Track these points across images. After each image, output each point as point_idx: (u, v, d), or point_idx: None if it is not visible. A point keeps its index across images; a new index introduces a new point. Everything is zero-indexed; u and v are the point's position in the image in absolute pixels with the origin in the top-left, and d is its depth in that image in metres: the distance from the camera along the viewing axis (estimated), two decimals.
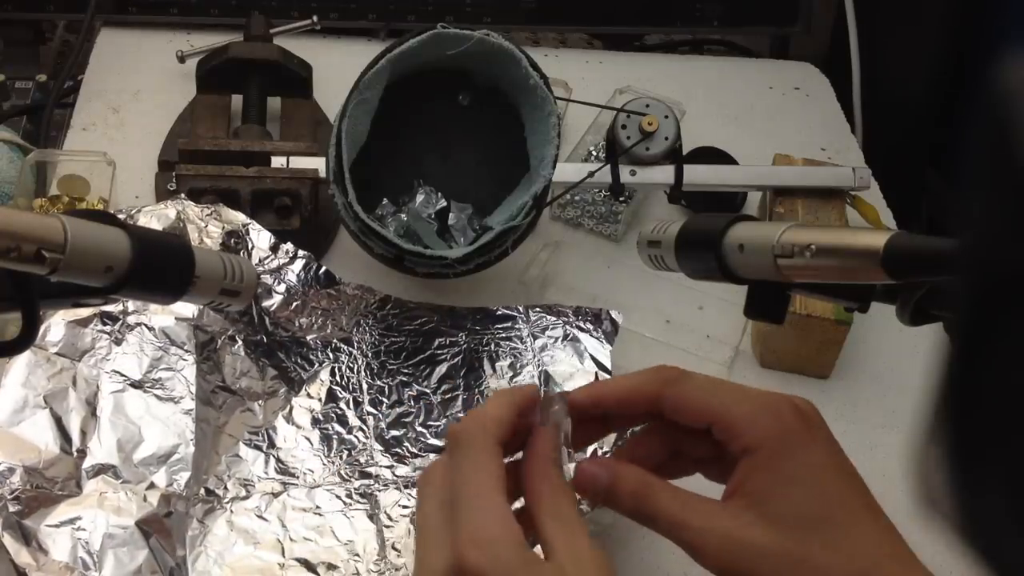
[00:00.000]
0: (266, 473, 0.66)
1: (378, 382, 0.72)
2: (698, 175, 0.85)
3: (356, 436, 0.69)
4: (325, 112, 0.93)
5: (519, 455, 0.48)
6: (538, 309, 0.75)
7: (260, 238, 0.75)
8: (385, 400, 0.71)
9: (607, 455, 0.62)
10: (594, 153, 0.90)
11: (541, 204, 0.75)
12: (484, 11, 1.05)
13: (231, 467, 0.66)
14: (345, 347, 0.73)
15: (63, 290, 0.48)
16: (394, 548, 0.63)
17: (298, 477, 0.66)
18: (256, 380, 0.70)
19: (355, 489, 0.66)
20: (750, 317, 0.54)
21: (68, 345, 0.67)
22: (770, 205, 0.87)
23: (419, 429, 0.69)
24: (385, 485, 0.66)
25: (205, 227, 0.74)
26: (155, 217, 0.73)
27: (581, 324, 0.73)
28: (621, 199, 0.88)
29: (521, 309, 0.75)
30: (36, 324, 0.47)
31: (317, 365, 0.72)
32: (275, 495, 0.65)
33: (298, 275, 0.74)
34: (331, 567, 0.61)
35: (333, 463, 0.67)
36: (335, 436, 0.69)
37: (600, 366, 0.71)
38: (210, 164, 0.80)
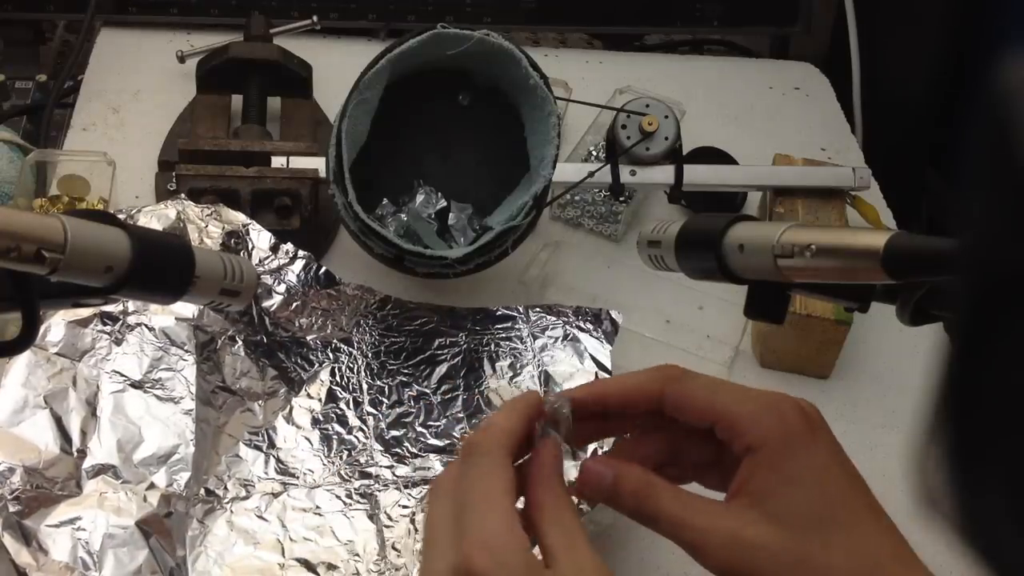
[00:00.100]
0: (266, 473, 0.66)
1: (378, 382, 0.72)
2: (698, 175, 0.85)
3: (356, 436, 0.69)
4: (325, 112, 0.93)
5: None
6: (538, 309, 0.75)
7: (260, 238, 0.75)
8: (385, 400, 0.71)
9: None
10: (594, 153, 0.90)
11: (541, 204, 0.75)
12: (484, 11, 1.05)
13: (231, 467, 0.66)
14: (345, 347, 0.73)
15: (63, 290, 0.48)
16: (394, 548, 0.63)
17: (298, 477, 0.66)
18: (256, 380, 0.70)
19: (355, 489, 0.66)
20: (750, 317, 0.54)
21: (68, 345, 0.67)
22: (770, 205, 0.87)
23: (419, 429, 0.69)
24: (385, 485, 0.66)
25: (205, 227, 0.74)
26: (155, 217, 0.73)
27: (581, 324, 0.73)
28: (621, 199, 0.88)
29: (521, 309, 0.75)
30: (36, 324, 0.47)
31: (317, 365, 0.72)
32: (275, 495, 0.65)
33: (298, 275, 0.74)
34: (331, 567, 0.61)
35: (333, 463, 0.67)
36: (335, 436, 0.69)
37: (600, 366, 0.71)
38: (210, 164, 0.80)
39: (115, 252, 0.48)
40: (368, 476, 0.67)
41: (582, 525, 0.45)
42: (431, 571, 0.43)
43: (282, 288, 0.74)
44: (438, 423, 0.70)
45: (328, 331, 0.74)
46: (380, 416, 0.70)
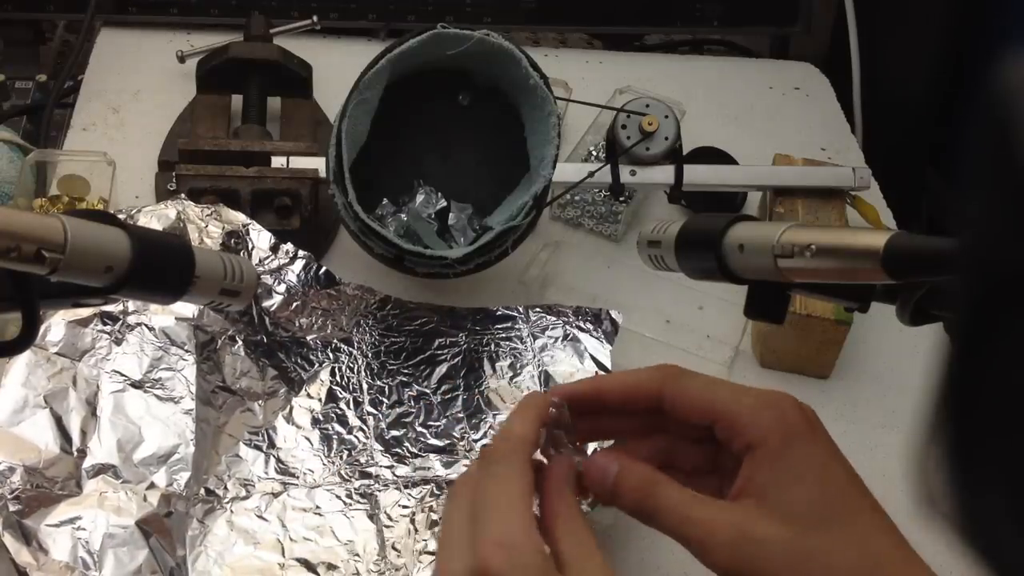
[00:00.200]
0: (266, 473, 0.66)
1: (378, 382, 0.72)
2: (698, 175, 0.85)
3: (356, 436, 0.69)
4: (325, 112, 0.93)
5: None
6: (538, 309, 0.75)
7: (260, 238, 0.75)
8: (385, 400, 0.71)
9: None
10: (594, 153, 0.90)
11: (541, 204, 0.75)
12: (484, 11, 1.05)
13: (231, 467, 0.66)
14: (345, 347, 0.73)
15: (63, 290, 0.48)
16: (394, 548, 0.63)
17: (298, 477, 0.66)
18: (256, 380, 0.70)
19: (355, 489, 0.66)
20: (750, 317, 0.54)
21: (68, 345, 0.67)
22: (770, 205, 0.87)
23: (419, 429, 0.69)
24: (385, 485, 0.66)
25: (205, 227, 0.74)
26: (155, 217, 0.73)
27: (581, 324, 0.74)
28: (621, 199, 0.88)
29: (521, 309, 0.75)
30: (36, 324, 0.47)
31: (317, 365, 0.72)
32: (275, 495, 0.65)
33: (298, 275, 0.74)
34: (331, 567, 0.61)
35: (333, 463, 0.67)
36: (335, 436, 0.69)
37: (600, 366, 0.71)
38: (210, 164, 0.80)
39: (115, 252, 0.48)
40: (368, 476, 0.67)
41: (595, 537, 0.45)
42: (447, 571, 0.43)
43: (282, 288, 0.74)
44: (438, 423, 0.70)
45: (328, 331, 0.74)
46: (380, 416, 0.70)
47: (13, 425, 0.63)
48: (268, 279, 0.73)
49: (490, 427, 0.69)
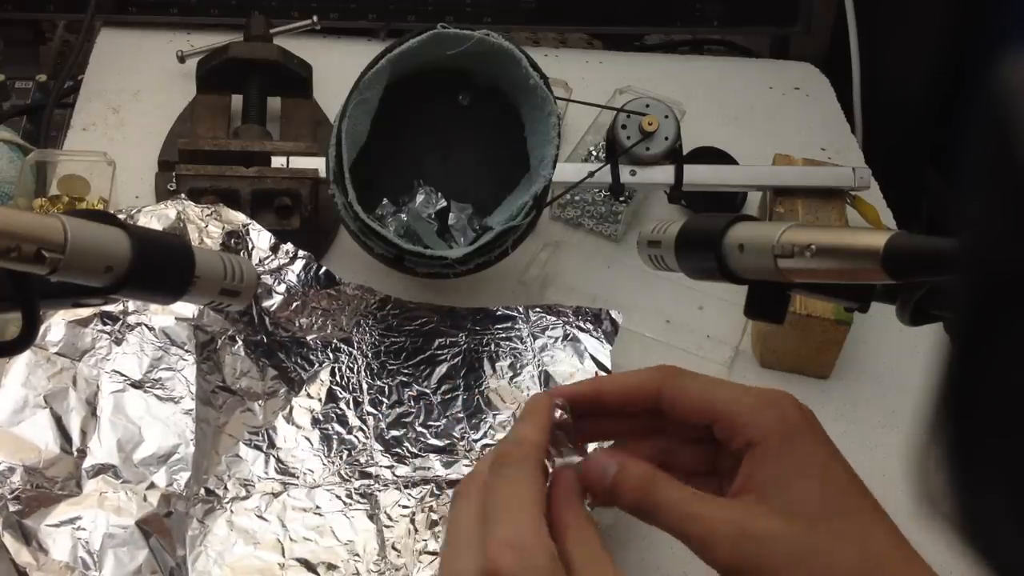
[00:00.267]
0: (266, 473, 0.66)
1: (378, 382, 0.72)
2: (698, 175, 0.85)
3: (356, 436, 0.69)
4: (325, 112, 0.93)
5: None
6: (538, 309, 0.75)
7: (260, 238, 0.75)
8: (385, 400, 0.71)
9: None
10: (594, 153, 0.90)
11: (541, 204, 0.75)
12: (484, 11, 1.05)
13: (231, 467, 0.66)
14: (345, 347, 0.73)
15: (63, 290, 0.48)
16: (394, 548, 0.63)
17: (298, 477, 0.66)
18: (256, 380, 0.70)
19: (355, 489, 0.66)
20: (750, 317, 0.54)
21: (68, 345, 0.67)
22: (770, 205, 0.87)
23: (419, 429, 0.69)
24: (385, 485, 0.66)
25: (205, 227, 0.74)
26: (155, 217, 0.73)
27: (581, 324, 0.74)
28: (621, 199, 0.88)
29: (521, 309, 0.75)
30: (36, 324, 0.47)
31: (317, 365, 0.72)
32: (275, 495, 0.65)
33: (298, 275, 0.74)
34: (331, 567, 0.61)
35: (333, 463, 0.67)
36: (335, 436, 0.69)
37: (600, 366, 0.71)
38: (210, 164, 0.80)
39: (115, 252, 0.48)
40: (368, 476, 0.67)
41: (606, 547, 0.45)
42: (455, 571, 0.43)
43: (282, 288, 0.74)
44: (438, 423, 0.70)
45: (328, 331, 0.74)
46: (380, 416, 0.70)
47: (13, 425, 0.63)
48: (268, 279, 0.73)
49: (490, 427, 0.69)
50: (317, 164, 0.80)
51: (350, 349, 0.73)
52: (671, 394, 0.49)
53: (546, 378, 0.71)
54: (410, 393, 0.71)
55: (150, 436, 0.64)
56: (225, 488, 0.65)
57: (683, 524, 0.45)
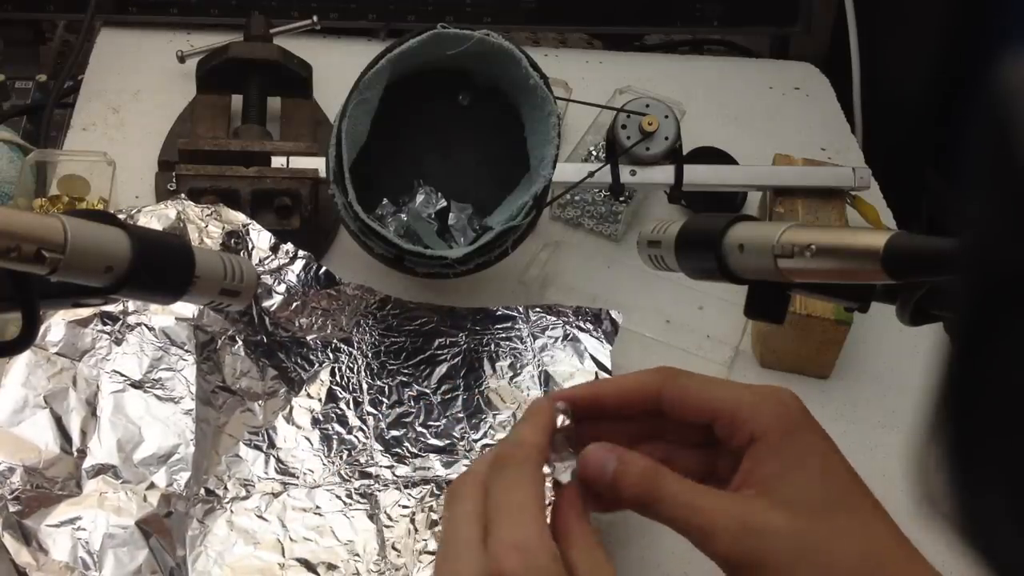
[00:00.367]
0: (266, 473, 0.66)
1: (378, 382, 0.72)
2: (698, 175, 0.85)
3: (356, 436, 0.69)
4: (325, 112, 0.93)
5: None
6: (538, 309, 0.75)
7: (260, 238, 0.75)
8: (385, 400, 0.71)
9: None
10: (594, 153, 0.90)
11: (541, 204, 0.75)
12: (484, 11, 1.05)
13: (231, 467, 0.66)
14: (345, 347, 0.73)
15: (63, 290, 0.48)
16: (394, 548, 0.63)
17: (298, 477, 0.66)
18: (256, 380, 0.70)
19: (355, 489, 0.66)
20: (750, 317, 0.54)
21: (68, 345, 0.67)
22: (770, 205, 0.87)
23: (419, 429, 0.69)
24: (385, 485, 0.66)
25: (205, 227, 0.74)
26: (155, 217, 0.73)
27: (581, 324, 0.74)
28: (621, 199, 0.88)
29: (521, 309, 0.75)
30: (36, 324, 0.47)
31: (317, 365, 0.72)
32: (275, 495, 0.65)
33: (298, 275, 0.74)
34: (331, 567, 0.61)
35: (333, 463, 0.67)
36: (335, 436, 0.69)
37: (600, 366, 0.71)
38: (210, 164, 0.80)
39: (115, 252, 0.48)
40: (368, 476, 0.67)
41: (608, 556, 0.45)
42: (454, 572, 0.42)
43: (282, 288, 0.74)
44: (438, 423, 0.70)
45: (328, 331, 0.74)
46: (380, 416, 0.70)
47: (13, 425, 0.63)
48: (268, 279, 0.73)
49: (490, 427, 0.69)
50: (317, 164, 0.80)
51: (350, 349, 0.73)
52: (671, 394, 0.49)
53: (546, 378, 0.71)
54: (410, 393, 0.71)
55: (150, 436, 0.64)
56: (225, 488, 0.65)
57: (685, 516, 0.45)
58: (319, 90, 0.94)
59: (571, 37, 1.20)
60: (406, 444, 0.69)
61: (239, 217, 0.75)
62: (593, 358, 0.72)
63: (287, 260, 0.75)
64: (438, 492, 0.65)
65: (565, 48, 1.15)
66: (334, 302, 0.75)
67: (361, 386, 0.71)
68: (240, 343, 0.71)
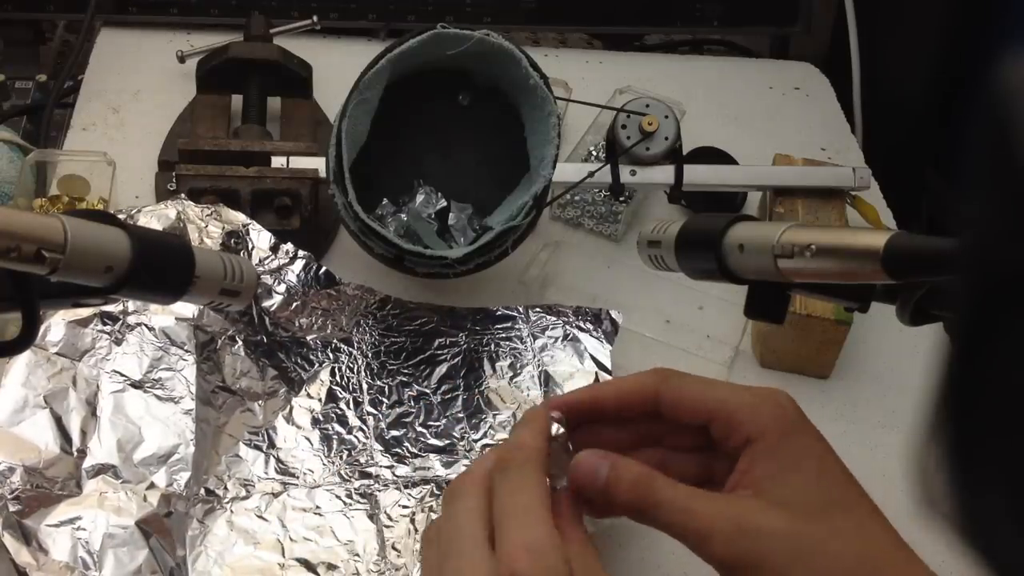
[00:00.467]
0: (266, 473, 0.66)
1: (378, 382, 0.72)
2: (698, 175, 0.85)
3: (356, 436, 0.69)
4: (325, 112, 0.93)
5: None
6: (538, 309, 0.75)
7: (260, 238, 0.75)
8: (385, 400, 0.71)
9: None
10: (594, 153, 0.90)
11: (541, 204, 0.75)
12: (484, 11, 1.05)
13: (231, 467, 0.66)
14: (345, 347, 0.73)
15: (63, 290, 0.48)
16: (394, 548, 0.63)
17: (298, 477, 0.66)
18: (256, 380, 0.70)
19: (355, 489, 0.66)
20: (750, 317, 0.54)
21: (68, 345, 0.67)
22: (770, 205, 0.87)
23: (419, 429, 0.69)
24: (385, 485, 0.66)
25: (205, 227, 0.74)
26: (155, 217, 0.73)
27: (581, 324, 0.74)
28: (621, 199, 0.88)
29: (521, 309, 0.75)
30: (36, 324, 0.47)
31: (317, 365, 0.72)
32: (275, 495, 0.65)
33: (298, 275, 0.74)
34: (331, 567, 0.61)
35: (333, 463, 0.67)
36: (335, 436, 0.69)
37: (600, 366, 0.71)
38: (210, 164, 0.80)
39: (115, 252, 0.48)
40: (368, 476, 0.67)
41: (600, 560, 0.45)
42: (457, 570, 0.42)
43: (282, 288, 0.74)
44: (438, 423, 0.70)
45: (328, 331, 0.74)
46: (380, 416, 0.70)
47: (13, 425, 0.63)
48: (268, 279, 0.73)
49: (490, 427, 0.69)
50: (317, 164, 0.80)
51: (350, 349, 0.73)
52: (669, 395, 0.49)
53: (546, 378, 0.71)
54: (410, 393, 0.71)
55: (150, 436, 0.64)
56: (225, 488, 0.65)
57: (680, 521, 0.45)
58: (319, 90, 0.94)
59: (571, 37, 1.20)
60: (406, 444, 0.69)
61: (239, 217, 0.75)
62: (593, 358, 0.72)
63: (287, 260, 0.75)
64: (438, 492, 0.65)
65: (565, 48, 1.15)
66: (334, 302, 0.75)
67: (361, 386, 0.71)
68: (240, 343, 0.71)
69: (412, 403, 0.71)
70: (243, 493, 0.65)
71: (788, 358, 0.80)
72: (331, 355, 0.72)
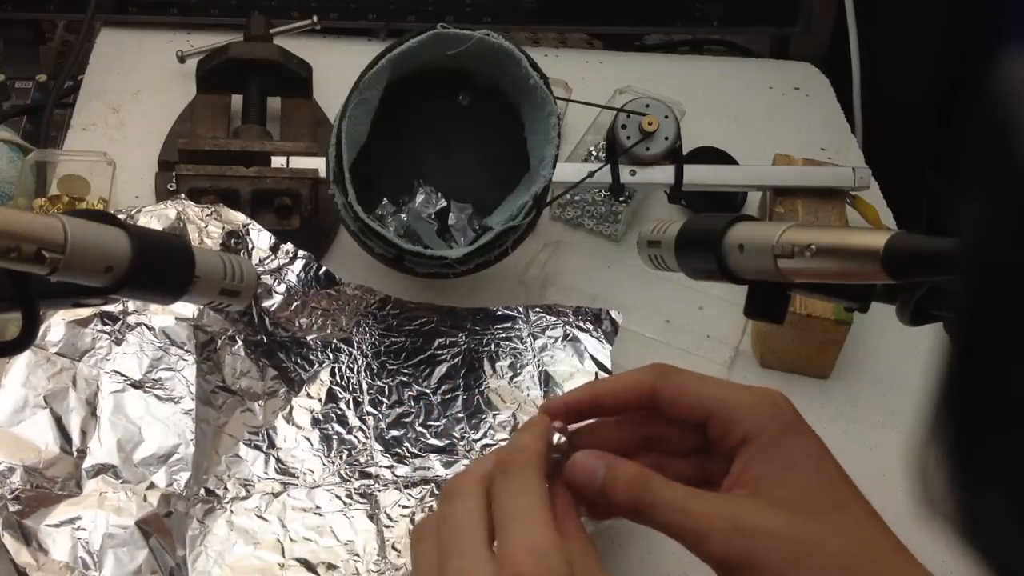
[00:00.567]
0: (266, 473, 0.66)
1: (378, 382, 0.72)
2: (698, 175, 0.85)
3: (356, 436, 0.69)
4: (325, 112, 0.93)
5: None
6: (538, 309, 0.75)
7: (260, 238, 0.75)
8: (385, 400, 0.71)
9: None
10: (594, 153, 0.90)
11: (541, 204, 0.75)
12: (484, 11, 1.05)
13: (231, 467, 0.66)
14: (345, 347, 0.73)
15: (63, 290, 0.48)
16: (394, 548, 0.63)
17: (298, 477, 0.66)
18: (256, 380, 0.70)
19: (355, 489, 0.66)
20: (750, 317, 0.54)
21: (68, 345, 0.67)
22: (770, 205, 0.87)
23: (419, 429, 0.69)
24: (385, 485, 0.66)
25: (205, 227, 0.74)
26: (155, 217, 0.73)
27: (581, 324, 0.74)
28: (621, 199, 0.88)
29: (521, 309, 0.75)
30: (36, 324, 0.47)
31: (317, 365, 0.72)
32: (275, 495, 0.65)
33: (298, 275, 0.74)
34: (331, 567, 0.61)
35: (333, 463, 0.67)
36: (335, 436, 0.69)
37: (600, 366, 0.71)
38: (210, 164, 0.80)
39: (115, 252, 0.48)
40: (368, 476, 0.67)
41: (600, 561, 0.44)
42: (459, 570, 0.42)
43: (282, 288, 0.74)
44: (438, 423, 0.70)
45: (328, 331, 0.74)
46: (380, 416, 0.70)
47: (13, 425, 0.63)
48: (268, 279, 0.73)
49: (490, 427, 0.69)
50: (317, 164, 0.80)
51: (350, 349, 0.73)
52: (667, 391, 0.49)
53: (546, 378, 0.71)
54: (410, 393, 0.71)
55: (150, 436, 0.64)
56: (225, 488, 0.65)
57: (678, 521, 0.45)
58: (319, 90, 0.94)
59: (571, 37, 1.20)
60: (406, 444, 0.69)
61: (239, 217, 0.75)
62: (593, 358, 0.72)
63: (287, 260, 0.75)
64: (438, 492, 0.65)
65: (565, 48, 1.15)
66: (334, 302, 0.75)
67: (361, 386, 0.71)
68: (240, 343, 0.71)
69: (412, 403, 0.71)
70: (243, 493, 0.65)
71: (788, 358, 0.80)
72: (331, 355, 0.72)
